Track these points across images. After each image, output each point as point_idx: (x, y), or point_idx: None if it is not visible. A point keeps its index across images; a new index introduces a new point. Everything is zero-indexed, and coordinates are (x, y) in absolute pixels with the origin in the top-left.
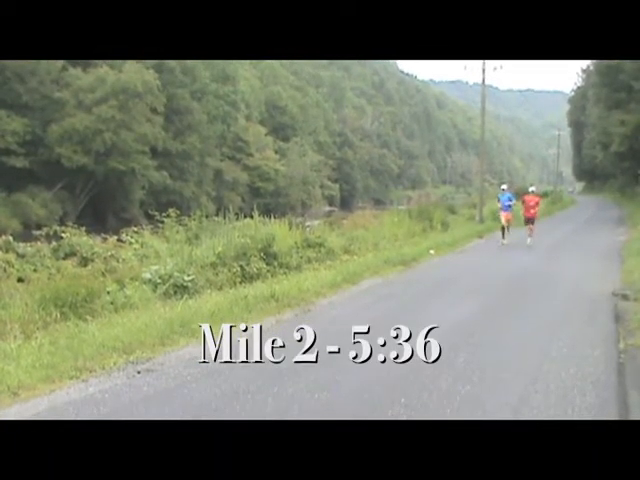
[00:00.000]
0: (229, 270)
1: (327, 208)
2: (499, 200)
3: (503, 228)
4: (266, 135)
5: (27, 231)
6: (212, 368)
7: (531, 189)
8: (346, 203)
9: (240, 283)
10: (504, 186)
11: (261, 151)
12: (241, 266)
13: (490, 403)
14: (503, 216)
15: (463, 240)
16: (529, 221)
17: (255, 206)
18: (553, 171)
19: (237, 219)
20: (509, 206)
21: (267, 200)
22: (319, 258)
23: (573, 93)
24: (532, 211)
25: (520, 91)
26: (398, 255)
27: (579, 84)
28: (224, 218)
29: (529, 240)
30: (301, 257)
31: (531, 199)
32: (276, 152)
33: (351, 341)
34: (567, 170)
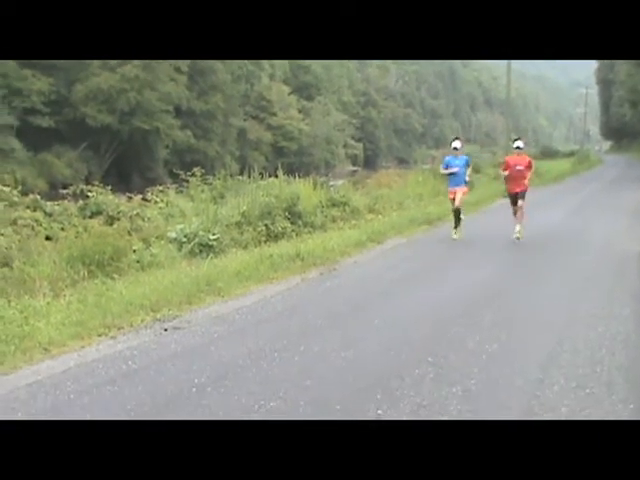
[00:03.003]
0: (254, 229)
1: (351, 167)
2: (447, 166)
3: (456, 213)
4: (289, 94)
5: (53, 190)
6: (239, 326)
7: (516, 145)
8: (370, 162)
9: (265, 242)
10: (457, 144)
11: (284, 110)
12: (266, 225)
13: (517, 362)
14: (452, 194)
15: (487, 199)
16: (516, 198)
17: (279, 165)
18: (580, 130)
19: (261, 178)
20: (462, 178)
21: (291, 159)
22: (344, 217)
23: None
24: (521, 183)
25: None
26: (423, 214)
27: None
28: (248, 177)
29: (517, 228)
30: (325, 216)
31: (517, 161)
32: (300, 111)
33: (376, 300)
34: (594, 129)
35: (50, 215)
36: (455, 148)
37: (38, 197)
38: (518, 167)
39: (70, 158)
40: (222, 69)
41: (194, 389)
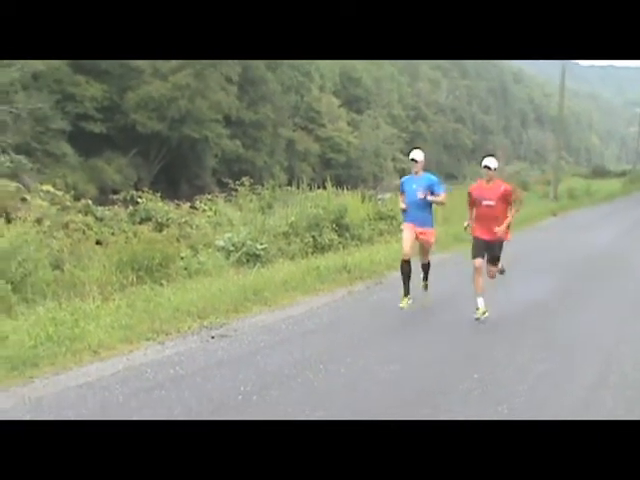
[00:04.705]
0: (301, 240)
1: (399, 181)
2: (402, 191)
3: (404, 265)
4: (339, 107)
5: (103, 195)
6: (285, 336)
7: (485, 163)
8: None
9: (312, 253)
10: (417, 155)
11: (333, 122)
12: (313, 237)
13: (566, 383)
14: (405, 232)
15: (536, 217)
16: (481, 250)
17: (327, 177)
18: (632, 149)
19: (310, 189)
20: (426, 210)
21: (338, 171)
22: (391, 231)
23: None
24: (492, 226)
25: (602, 67)
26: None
27: None
28: (297, 188)
29: (479, 302)
30: (373, 229)
31: (484, 192)
32: (349, 124)
33: (422, 314)
34: None
35: (101, 220)
36: (413, 160)
37: (89, 202)
38: (486, 202)
39: (120, 164)
40: (272, 79)
41: (240, 397)
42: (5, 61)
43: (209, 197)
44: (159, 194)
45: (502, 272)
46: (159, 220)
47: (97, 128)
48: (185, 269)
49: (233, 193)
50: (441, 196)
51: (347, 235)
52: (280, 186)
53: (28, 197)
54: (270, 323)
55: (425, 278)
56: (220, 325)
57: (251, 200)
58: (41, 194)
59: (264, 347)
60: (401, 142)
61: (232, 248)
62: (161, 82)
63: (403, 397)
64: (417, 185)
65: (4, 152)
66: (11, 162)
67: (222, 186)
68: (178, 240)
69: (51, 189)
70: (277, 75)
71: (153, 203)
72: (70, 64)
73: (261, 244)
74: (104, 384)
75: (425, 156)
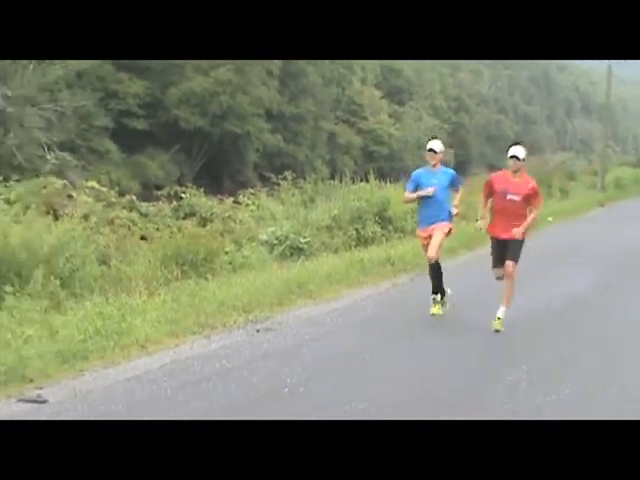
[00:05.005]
0: (344, 233)
1: None
2: (416, 186)
3: (433, 270)
4: (381, 98)
5: (146, 191)
6: (329, 328)
7: (512, 153)
8: (461, 169)
9: (355, 246)
10: (436, 146)
11: (375, 115)
12: (356, 229)
13: (610, 378)
14: (425, 235)
15: (583, 208)
16: (501, 251)
17: (370, 170)
18: None
19: (352, 182)
20: (443, 207)
21: (381, 164)
22: None
23: None
24: (513, 224)
25: None
26: None
27: None
28: (339, 181)
29: (500, 311)
30: (416, 221)
31: (509, 185)
32: (390, 116)
33: (468, 306)
34: None
35: (145, 215)
36: (432, 150)
37: (134, 198)
38: (510, 196)
39: (163, 160)
40: (313, 72)
41: (286, 389)
42: (49, 60)
43: (252, 192)
44: (202, 190)
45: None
46: (203, 215)
47: (140, 125)
48: (229, 263)
49: (275, 187)
50: (457, 194)
51: (390, 228)
52: (322, 180)
53: (74, 194)
54: (314, 316)
55: (436, 290)
56: (265, 318)
57: (293, 194)
58: (86, 190)
59: (309, 340)
60: (443, 133)
61: (275, 242)
62: (203, 77)
63: (449, 387)
64: (438, 181)
65: (50, 149)
66: (56, 159)
67: (264, 180)
68: (222, 235)
69: (96, 185)
70: (318, 68)
71: (197, 198)
72: (113, 61)
73: (304, 237)
74: (152, 377)
75: (469, 148)
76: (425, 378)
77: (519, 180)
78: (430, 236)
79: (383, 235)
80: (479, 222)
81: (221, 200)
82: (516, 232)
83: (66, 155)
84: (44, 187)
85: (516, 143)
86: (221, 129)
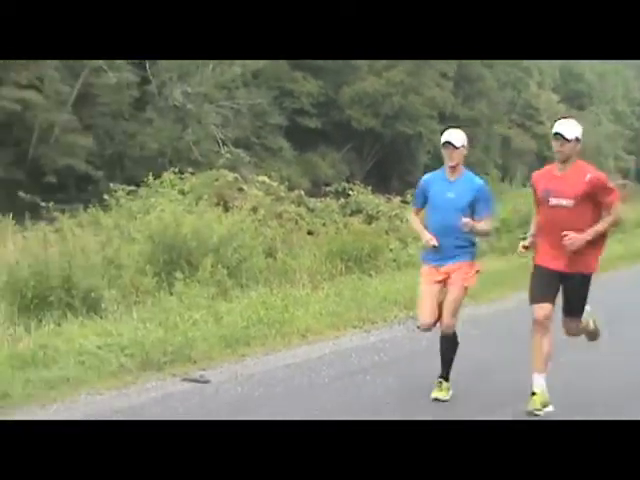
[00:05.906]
0: (512, 236)
1: (620, 181)
2: (423, 201)
3: (443, 344)
4: (558, 102)
5: (314, 189)
6: (492, 329)
7: (558, 130)
8: None
9: None
10: (455, 138)
11: (552, 119)
12: (525, 233)
13: None
14: (430, 278)
15: None
16: (551, 287)
17: None
18: None
19: (523, 187)
20: (461, 235)
21: None
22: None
23: None
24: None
25: None
26: None
27: None
28: (510, 184)
29: (536, 384)
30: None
31: (557, 185)
32: None
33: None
34: None
35: (312, 211)
36: (449, 143)
37: (302, 193)
38: (555, 200)
39: (333, 159)
40: (489, 76)
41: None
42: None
43: None
44: (370, 188)
45: (593, 335)
46: (369, 212)
47: (312, 123)
48: (394, 261)
49: None
50: (487, 223)
51: None
52: (492, 182)
53: (245, 187)
54: (478, 315)
55: (445, 371)
56: None
57: None
58: (257, 184)
59: (471, 338)
60: (624, 140)
61: None
62: (375, 78)
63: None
64: (456, 195)
65: (224, 145)
66: (230, 155)
67: None
68: (387, 233)
69: (267, 180)
70: (494, 72)
71: (364, 196)
72: (288, 61)
73: None
74: (311, 365)
75: None
76: (603, 379)
77: (569, 173)
78: (439, 282)
79: None
80: (524, 243)
81: (388, 199)
82: (569, 241)
83: (240, 151)
84: (216, 180)
85: (563, 117)
86: (392, 130)
